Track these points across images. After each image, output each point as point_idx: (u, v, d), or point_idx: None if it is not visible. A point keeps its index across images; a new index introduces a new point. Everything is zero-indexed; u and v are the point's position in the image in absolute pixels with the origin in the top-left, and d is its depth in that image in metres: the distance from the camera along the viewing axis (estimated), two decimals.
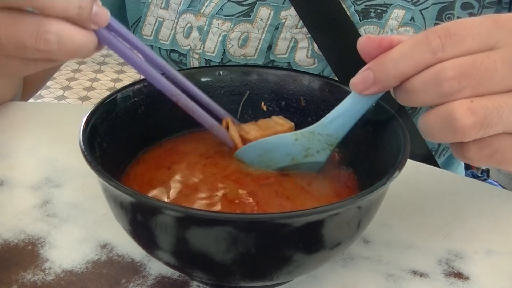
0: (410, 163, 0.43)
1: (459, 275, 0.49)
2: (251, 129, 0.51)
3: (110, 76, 2.90)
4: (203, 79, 0.55)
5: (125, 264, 0.49)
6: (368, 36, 0.42)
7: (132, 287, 0.47)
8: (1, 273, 0.47)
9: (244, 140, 0.51)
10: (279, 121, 0.52)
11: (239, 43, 0.71)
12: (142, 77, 0.52)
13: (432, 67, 0.40)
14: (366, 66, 0.42)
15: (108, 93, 0.52)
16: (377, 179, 0.41)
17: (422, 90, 0.40)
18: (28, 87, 0.81)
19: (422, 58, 0.40)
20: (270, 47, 0.71)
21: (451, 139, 0.41)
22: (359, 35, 0.68)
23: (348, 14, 0.67)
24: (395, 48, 0.41)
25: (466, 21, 0.40)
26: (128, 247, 0.50)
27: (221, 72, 0.55)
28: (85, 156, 0.42)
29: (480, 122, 0.40)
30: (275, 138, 0.49)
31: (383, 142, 0.48)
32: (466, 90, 0.39)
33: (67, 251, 0.50)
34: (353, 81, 0.43)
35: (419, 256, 0.51)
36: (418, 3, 0.67)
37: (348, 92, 0.47)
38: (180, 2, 0.72)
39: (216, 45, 0.71)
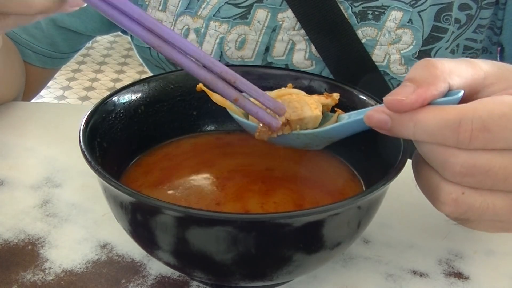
0: (410, 163, 0.43)
1: (459, 275, 0.49)
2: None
3: (110, 76, 2.90)
4: None
5: (125, 264, 0.49)
6: (398, 100, 0.38)
7: (132, 287, 0.47)
8: (1, 273, 0.47)
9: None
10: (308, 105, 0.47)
11: (236, 45, 0.71)
12: (142, 77, 0.52)
13: (445, 151, 0.37)
14: (387, 110, 0.39)
15: (108, 93, 0.52)
16: (377, 179, 0.41)
17: (428, 157, 0.39)
18: (27, 90, 0.81)
19: (443, 141, 0.37)
20: (267, 49, 0.70)
21: (427, 197, 0.41)
22: (357, 37, 0.68)
23: (346, 16, 0.67)
24: (422, 113, 0.38)
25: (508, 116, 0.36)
26: (128, 247, 0.50)
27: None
28: (85, 156, 0.42)
29: (459, 214, 0.39)
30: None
31: (383, 142, 0.48)
32: (465, 182, 0.38)
33: (67, 251, 0.50)
34: (370, 114, 0.40)
35: (419, 256, 0.51)
36: (416, 5, 0.67)
37: (348, 91, 0.47)
38: (178, 4, 0.72)
39: (213, 47, 0.71)
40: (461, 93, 0.39)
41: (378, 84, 0.69)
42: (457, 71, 0.39)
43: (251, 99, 0.45)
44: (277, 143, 0.47)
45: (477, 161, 0.37)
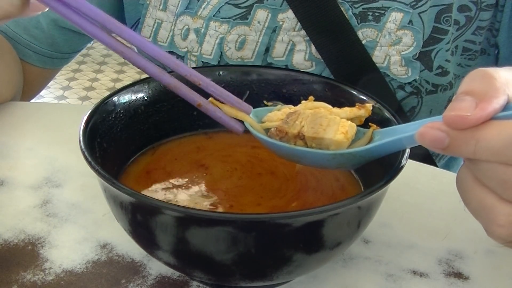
0: (410, 163, 0.43)
1: (459, 275, 0.49)
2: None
3: (110, 76, 2.90)
4: None
5: (125, 264, 0.49)
6: (461, 116, 0.35)
7: (132, 287, 0.47)
8: (1, 273, 0.47)
9: (282, 132, 0.44)
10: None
11: (236, 45, 0.71)
12: (142, 77, 0.52)
13: (508, 169, 0.35)
14: (443, 127, 0.35)
15: (108, 93, 0.52)
16: (377, 179, 0.41)
17: (486, 176, 0.36)
18: (27, 90, 0.81)
19: (508, 160, 0.34)
20: (267, 50, 0.70)
21: (478, 219, 0.38)
22: (358, 38, 0.68)
23: (346, 17, 0.67)
24: (486, 130, 0.35)
25: None
26: (128, 247, 0.50)
27: (221, 72, 0.55)
28: (85, 156, 0.42)
29: None
30: (310, 153, 0.43)
31: None
32: None
33: (67, 251, 0.50)
34: (423, 131, 0.36)
35: (419, 256, 0.51)
36: (416, 6, 0.67)
37: (348, 92, 0.47)
38: (178, 4, 0.72)
39: (213, 47, 0.71)
40: None
41: (379, 85, 0.69)
42: None
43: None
44: (308, 165, 0.45)
45: None
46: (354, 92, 0.52)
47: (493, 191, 0.36)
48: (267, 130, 0.45)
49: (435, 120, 0.36)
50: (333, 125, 0.43)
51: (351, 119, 0.45)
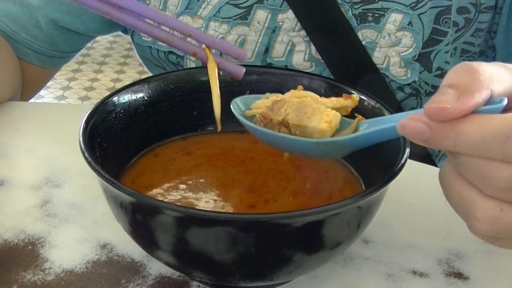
0: (410, 163, 0.43)
1: (459, 275, 0.49)
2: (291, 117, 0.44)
3: (110, 76, 2.90)
4: (203, 79, 0.55)
5: (125, 264, 0.49)
6: (442, 108, 0.35)
7: (132, 287, 0.47)
8: (1, 273, 0.47)
9: (267, 119, 0.45)
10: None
11: (236, 45, 0.70)
12: (142, 77, 0.52)
13: (488, 164, 0.35)
14: (425, 119, 0.36)
15: (108, 93, 0.52)
16: (377, 179, 0.41)
17: (466, 170, 0.36)
18: (27, 89, 0.81)
19: (487, 154, 0.34)
20: (267, 50, 0.70)
21: (459, 214, 0.38)
22: (358, 39, 0.68)
23: (346, 18, 0.67)
24: (466, 123, 0.35)
25: None
26: (128, 247, 0.50)
27: (221, 72, 0.55)
28: (85, 156, 0.42)
29: (494, 232, 0.36)
30: (293, 140, 0.43)
31: (383, 142, 0.47)
32: (506, 198, 0.35)
33: (67, 251, 0.50)
34: (405, 123, 0.36)
35: (419, 256, 0.51)
36: (416, 7, 0.67)
37: (348, 92, 0.47)
38: (178, 4, 0.72)
39: None
40: (505, 101, 0.36)
41: (379, 85, 0.69)
42: (497, 77, 0.37)
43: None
44: (293, 152, 0.45)
45: None
46: (354, 92, 0.52)
47: (474, 186, 0.36)
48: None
49: (420, 112, 0.36)
50: (318, 114, 0.43)
51: (337, 109, 0.45)
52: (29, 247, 0.50)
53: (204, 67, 0.58)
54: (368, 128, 0.43)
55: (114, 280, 0.47)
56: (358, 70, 0.69)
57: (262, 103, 0.47)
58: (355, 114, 0.45)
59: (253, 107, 0.47)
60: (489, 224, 0.36)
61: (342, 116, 0.45)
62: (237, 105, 0.47)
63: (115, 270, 0.48)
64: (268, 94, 0.48)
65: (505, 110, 0.36)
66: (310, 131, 0.43)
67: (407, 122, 0.36)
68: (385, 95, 0.69)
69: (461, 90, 0.35)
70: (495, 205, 0.36)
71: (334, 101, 0.46)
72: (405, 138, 0.44)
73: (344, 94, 0.47)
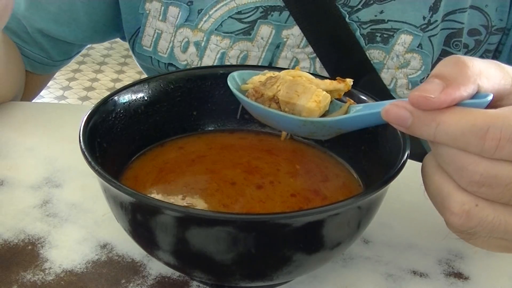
0: (410, 163, 0.43)
1: (459, 275, 0.49)
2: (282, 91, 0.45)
3: (110, 76, 2.90)
4: (203, 79, 0.55)
5: (125, 264, 0.49)
6: (425, 97, 0.35)
7: (132, 287, 0.47)
8: (1, 273, 0.47)
9: (258, 93, 0.46)
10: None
11: (238, 61, 0.69)
12: (143, 77, 0.52)
13: (466, 157, 0.35)
14: (409, 106, 0.36)
15: (108, 93, 0.52)
16: (377, 179, 0.41)
17: (445, 161, 0.37)
18: (29, 91, 0.80)
19: (466, 147, 0.35)
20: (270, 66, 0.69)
21: (435, 206, 0.39)
22: (366, 56, 0.66)
23: (355, 37, 0.66)
24: (448, 114, 0.35)
25: None
26: (128, 247, 0.50)
27: (221, 72, 0.55)
28: (85, 156, 0.42)
29: (468, 227, 0.37)
30: (281, 116, 0.44)
31: (383, 142, 0.48)
32: (481, 193, 0.36)
33: (67, 251, 0.50)
34: (388, 108, 0.37)
35: (419, 256, 0.51)
36: (427, 29, 0.65)
37: (348, 93, 0.47)
38: (177, 15, 0.71)
39: (214, 62, 0.70)
40: (490, 96, 0.36)
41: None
42: (486, 73, 0.37)
43: None
44: (281, 129, 0.47)
45: (499, 172, 0.35)
46: (354, 92, 0.52)
47: (451, 179, 0.37)
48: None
49: (405, 100, 0.37)
50: (308, 93, 0.44)
51: (330, 92, 0.46)
52: (29, 247, 0.50)
53: (205, 67, 0.58)
54: (356, 112, 0.44)
55: (114, 280, 0.47)
56: (366, 88, 0.68)
57: (258, 78, 0.48)
58: (347, 98, 0.46)
59: (249, 82, 0.48)
60: (462, 218, 0.36)
61: (336, 99, 0.46)
62: (233, 79, 0.48)
63: (115, 270, 0.48)
64: (266, 71, 0.49)
65: (491, 106, 0.36)
66: (299, 109, 0.44)
67: (390, 108, 0.37)
68: (387, 94, 0.69)
69: (447, 82, 0.36)
70: (471, 199, 0.36)
71: (327, 83, 0.47)
72: (405, 138, 0.44)
73: (338, 78, 0.48)
